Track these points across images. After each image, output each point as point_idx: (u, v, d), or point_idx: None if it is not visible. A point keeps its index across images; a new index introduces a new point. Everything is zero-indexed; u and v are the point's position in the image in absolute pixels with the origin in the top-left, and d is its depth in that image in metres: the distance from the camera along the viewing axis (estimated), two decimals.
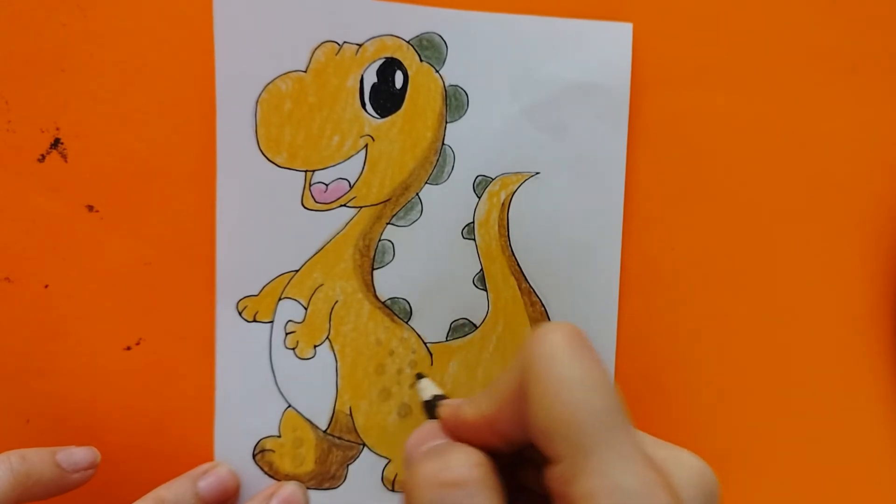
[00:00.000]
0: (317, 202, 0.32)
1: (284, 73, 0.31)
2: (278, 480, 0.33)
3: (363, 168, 0.32)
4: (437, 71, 0.32)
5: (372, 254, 0.33)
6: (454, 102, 0.33)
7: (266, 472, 0.33)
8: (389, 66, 0.32)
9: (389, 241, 0.33)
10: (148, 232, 0.32)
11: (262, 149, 0.32)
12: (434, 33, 0.32)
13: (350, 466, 0.33)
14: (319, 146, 0.32)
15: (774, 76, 0.34)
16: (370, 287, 0.33)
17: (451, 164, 0.33)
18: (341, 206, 0.32)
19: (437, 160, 0.33)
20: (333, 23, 0.31)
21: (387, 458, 0.34)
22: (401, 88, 0.32)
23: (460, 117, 0.33)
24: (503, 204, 0.33)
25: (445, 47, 0.32)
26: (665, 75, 0.34)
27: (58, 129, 0.31)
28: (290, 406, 0.33)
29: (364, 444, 0.33)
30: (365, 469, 0.33)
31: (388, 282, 0.33)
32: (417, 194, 0.33)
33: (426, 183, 0.33)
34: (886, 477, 0.36)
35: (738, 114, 0.34)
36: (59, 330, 0.32)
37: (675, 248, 0.34)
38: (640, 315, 0.34)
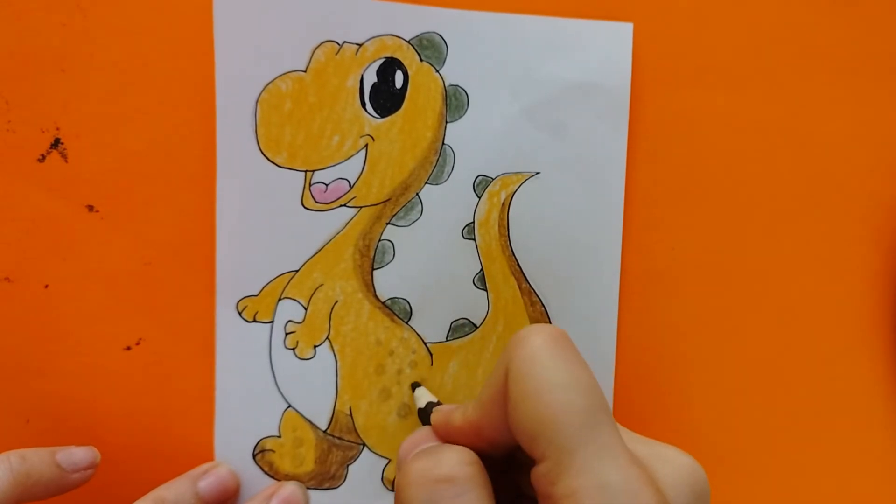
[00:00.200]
0: (317, 202, 0.32)
1: (284, 73, 0.31)
2: (278, 480, 0.33)
3: (363, 168, 0.32)
4: (438, 71, 0.32)
5: (372, 254, 0.33)
6: (454, 102, 0.33)
7: (266, 472, 0.33)
8: (389, 66, 0.32)
9: (389, 241, 0.33)
10: (148, 232, 0.32)
11: (262, 149, 0.32)
12: (434, 33, 0.32)
13: (350, 466, 0.33)
14: (319, 146, 0.32)
15: (774, 76, 0.34)
16: (370, 287, 0.33)
17: (452, 164, 0.33)
18: (341, 206, 0.32)
19: (438, 160, 0.33)
20: (333, 22, 0.31)
21: (387, 458, 0.34)
22: (401, 88, 0.32)
23: (460, 117, 0.33)
24: (503, 204, 0.33)
25: (445, 47, 0.32)
26: (665, 75, 0.34)
27: (58, 129, 0.31)
28: (290, 406, 0.33)
29: (364, 445, 0.33)
30: (365, 469, 0.33)
31: (388, 282, 0.33)
32: (417, 194, 0.33)
33: (426, 183, 0.33)
34: (886, 477, 0.36)
35: (738, 114, 0.34)
36: (59, 330, 0.32)
37: (675, 248, 0.34)
38: (640, 315, 0.34)
